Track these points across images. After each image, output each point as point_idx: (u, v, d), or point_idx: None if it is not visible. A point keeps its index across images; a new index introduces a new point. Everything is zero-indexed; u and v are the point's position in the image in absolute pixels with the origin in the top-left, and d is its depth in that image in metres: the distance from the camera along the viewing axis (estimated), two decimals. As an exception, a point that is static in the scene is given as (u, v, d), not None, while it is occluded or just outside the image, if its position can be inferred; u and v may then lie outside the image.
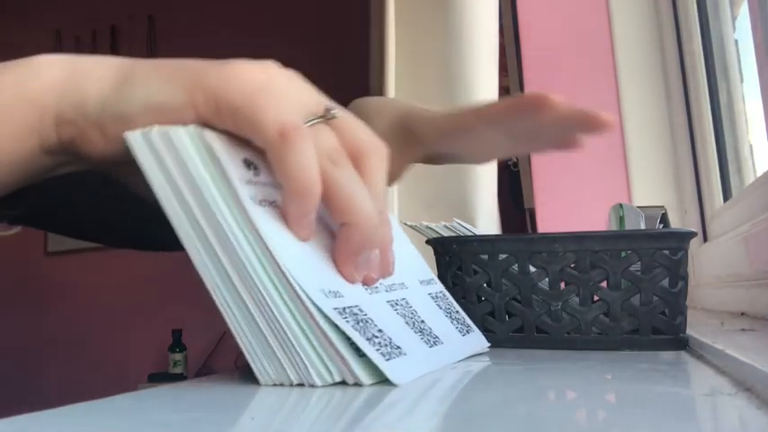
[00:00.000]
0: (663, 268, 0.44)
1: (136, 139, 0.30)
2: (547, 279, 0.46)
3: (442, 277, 0.51)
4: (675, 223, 1.07)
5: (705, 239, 1.00)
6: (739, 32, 0.93)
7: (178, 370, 2.57)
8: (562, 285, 0.46)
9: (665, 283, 0.44)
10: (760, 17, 0.67)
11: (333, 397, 0.29)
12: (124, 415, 0.26)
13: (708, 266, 0.90)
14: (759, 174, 0.77)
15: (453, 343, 0.39)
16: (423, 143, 0.48)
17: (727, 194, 0.96)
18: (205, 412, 0.27)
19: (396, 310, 0.35)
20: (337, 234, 0.33)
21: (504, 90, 1.30)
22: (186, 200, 0.30)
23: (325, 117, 0.32)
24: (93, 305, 2.89)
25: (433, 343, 0.36)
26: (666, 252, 0.44)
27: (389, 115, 0.49)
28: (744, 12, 0.83)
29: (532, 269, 0.47)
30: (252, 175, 0.31)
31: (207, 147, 0.30)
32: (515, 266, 0.47)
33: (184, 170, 0.29)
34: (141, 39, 2.98)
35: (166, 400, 0.30)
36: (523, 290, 0.47)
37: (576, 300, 0.45)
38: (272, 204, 0.31)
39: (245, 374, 0.34)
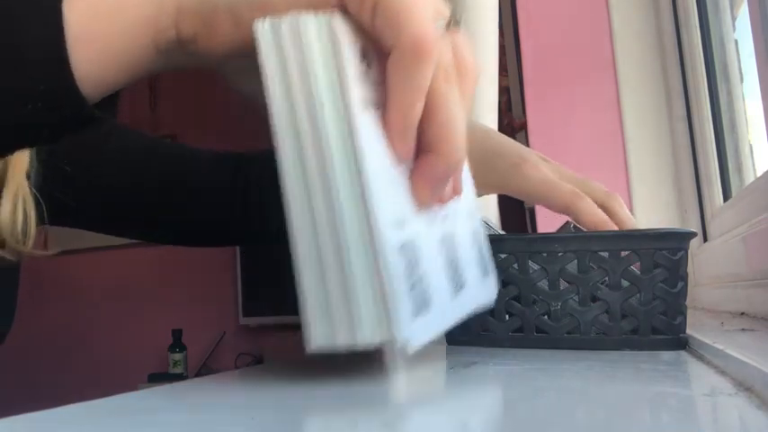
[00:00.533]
0: (662, 268, 0.44)
1: (263, 29, 0.28)
2: (546, 279, 0.46)
3: None
4: (675, 223, 1.07)
5: (705, 239, 1.00)
6: (739, 32, 0.93)
7: (178, 370, 2.57)
8: (562, 285, 0.46)
9: (665, 283, 0.44)
10: (760, 17, 0.67)
11: (332, 396, 0.29)
12: (124, 415, 0.26)
13: (707, 266, 0.90)
14: (759, 174, 0.77)
15: (472, 289, 0.37)
16: (504, 190, 0.54)
17: (727, 194, 0.96)
18: (205, 412, 0.27)
19: (442, 247, 0.33)
20: (424, 157, 0.30)
21: (504, 90, 1.30)
22: (294, 95, 0.28)
23: (449, 23, 0.29)
24: (93, 305, 2.89)
25: (458, 288, 0.34)
26: (666, 252, 0.44)
27: (477, 142, 0.53)
28: (744, 12, 0.83)
29: (532, 269, 0.47)
30: (365, 69, 0.29)
31: (333, 38, 0.28)
32: (515, 266, 0.47)
33: (301, 61, 0.28)
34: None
35: (166, 400, 0.30)
36: (523, 290, 0.47)
37: (576, 300, 0.45)
38: (375, 107, 0.29)
39: (245, 374, 0.34)
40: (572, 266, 0.45)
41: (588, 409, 0.26)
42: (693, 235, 0.45)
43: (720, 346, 0.35)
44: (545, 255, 0.46)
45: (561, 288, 0.46)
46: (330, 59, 0.27)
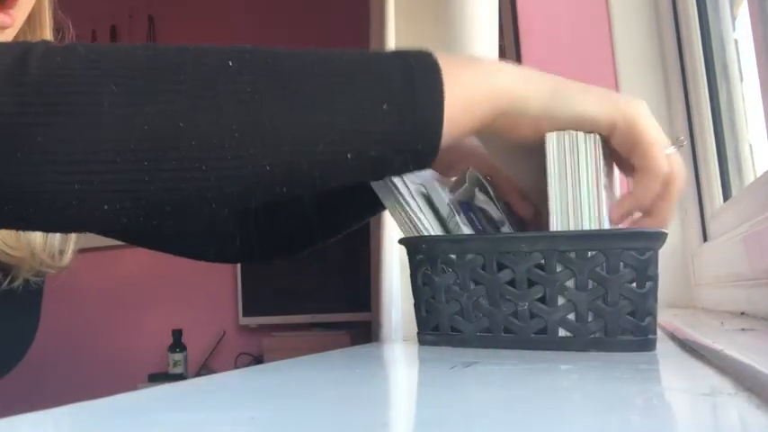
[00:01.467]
0: (630, 268, 0.43)
1: (553, 137, 0.45)
2: (513, 279, 0.46)
3: (413, 276, 0.51)
4: (675, 223, 1.07)
5: (705, 239, 1.00)
6: (739, 32, 0.93)
7: (178, 370, 2.56)
8: (529, 285, 0.45)
9: (633, 283, 0.43)
10: (760, 17, 0.67)
11: (332, 396, 0.29)
12: (124, 415, 0.26)
13: (708, 266, 0.90)
14: (759, 174, 0.77)
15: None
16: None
17: (727, 194, 0.96)
18: (205, 412, 0.27)
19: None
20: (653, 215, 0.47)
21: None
22: (567, 181, 0.45)
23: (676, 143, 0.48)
24: (93, 305, 2.89)
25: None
26: (634, 252, 0.43)
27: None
28: (744, 12, 0.83)
29: (500, 269, 0.46)
30: (606, 173, 0.46)
31: (595, 150, 0.44)
32: (483, 266, 0.47)
33: (573, 162, 0.45)
34: (141, 39, 2.98)
35: (166, 400, 0.30)
36: (491, 290, 0.47)
37: (543, 300, 0.45)
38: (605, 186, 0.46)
39: (245, 374, 0.34)
40: (539, 266, 0.45)
41: (587, 408, 0.26)
42: (662, 235, 0.45)
43: (720, 346, 0.35)
44: (511, 254, 0.46)
45: (528, 288, 0.45)
46: (591, 161, 0.45)
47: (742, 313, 0.65)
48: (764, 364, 0.27)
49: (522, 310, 0.45)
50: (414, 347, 0.58)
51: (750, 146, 0.92)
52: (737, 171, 0.94)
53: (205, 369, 2.66)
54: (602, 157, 0.44)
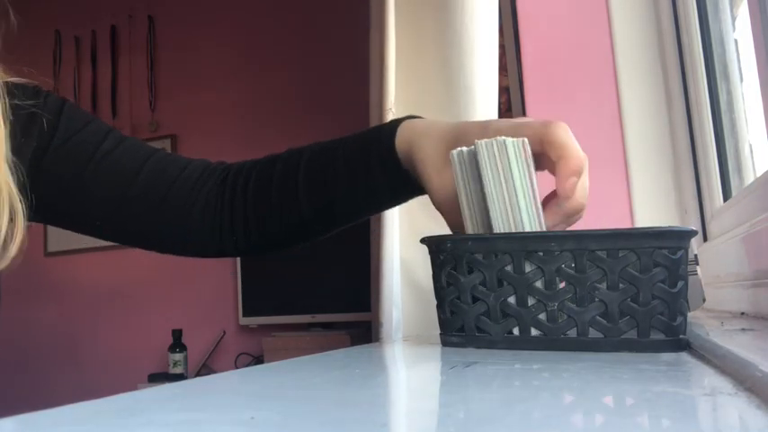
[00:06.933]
0: (662, 268, 0.43)
1: (482, 144, 0.48)
2: (543, 279, 0.46)
3: (435, 276, 0.50)
4: (675, 223, 1.07)
5: (705, 239, 1.00)
6: (739, 32, 0.93)
7: (178, 370, 2.56)
8: (559, 285, 0.45)
9: (665, 283, 0.43)
10: (760, 17, 0.67)
11: (332, 396, 0.29)
12: (124, 415, 0.26)
13: (707, 266, 0.90)
14: (759, 174, 0.77)
15: None
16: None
17: (727, 194, 0.96)
18: (205, 412, 0.27)
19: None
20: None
21: (504, 90, 1.30)
22: (502, 185, 0.48)
23: None
24: (93, 305, 2.89)
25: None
26: (665, 251, 0.43)
27: (437, 139, 0.59)
28: (744, 12, 0.83)
29: (528, 268, 0.46)
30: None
31: (526, 151, 0.48)
32: (511, 266, 0.47)
33: (505, 161, 0.48)
34: (141, 39, 2.98)
35: (166, 400, 0.30)
36: (519, 290, 0.46)
37: (573, 300, 0.45)
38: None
39: (245, 374, 0.34)
40: (569, 266, 0.45)
41: (588, 408, 0.26)
42: (694, 233, 0.45)
43: (721, 346, 0.35)
44: (541, 254, 0.45)
45: (558, 288, 0.45)
46: (522, 164, 0.48)
47: (742, 313, 0.65)
48: (764, 364, 0.27)
49: (552, 310, 0.45)
50: (414, 347, 0.58)
51: (750, 146, 0.92)
52: (737, 171, 0.94)
53: (205, 369, 2.66)
54: (531, 159, 0.48)
